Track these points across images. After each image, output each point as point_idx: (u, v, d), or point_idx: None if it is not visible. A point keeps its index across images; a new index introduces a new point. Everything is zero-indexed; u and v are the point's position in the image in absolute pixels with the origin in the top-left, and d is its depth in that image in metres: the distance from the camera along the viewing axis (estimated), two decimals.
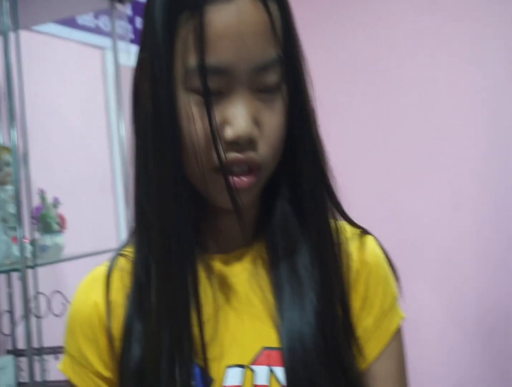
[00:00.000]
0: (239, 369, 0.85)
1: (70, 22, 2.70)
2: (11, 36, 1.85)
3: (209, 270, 0.90)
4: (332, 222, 0.91)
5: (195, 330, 0.84)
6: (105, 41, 2.91)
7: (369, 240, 0.95)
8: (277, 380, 0.83)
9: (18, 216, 1.66)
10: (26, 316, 1.69)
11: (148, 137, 0.86)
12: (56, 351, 2.23)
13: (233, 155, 0.81)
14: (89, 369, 0.90)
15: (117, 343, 0.87)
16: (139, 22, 3.18)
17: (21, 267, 1.72)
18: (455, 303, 3.45)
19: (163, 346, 0.83)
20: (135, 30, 3.13)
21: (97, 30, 2.88)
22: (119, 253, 0.94)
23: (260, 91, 0.82)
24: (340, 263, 0.90)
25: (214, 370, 0.84)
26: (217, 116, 0.80)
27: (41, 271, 2.10)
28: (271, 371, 0.84)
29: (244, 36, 0.79)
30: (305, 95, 0.88)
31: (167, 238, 0.85)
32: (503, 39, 3.34)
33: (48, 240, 1.96)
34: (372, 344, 0.90)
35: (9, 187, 1.89)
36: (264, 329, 0.87)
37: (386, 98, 3.63)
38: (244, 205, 0.84)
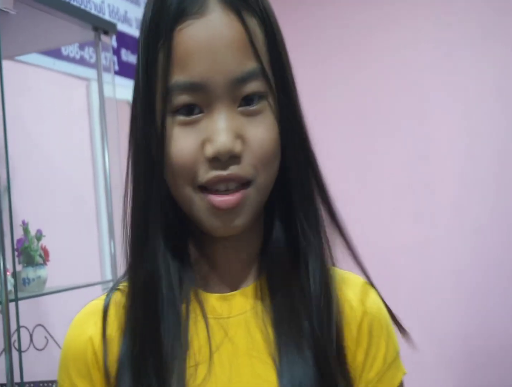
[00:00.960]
0: None
1: (54, 53, 2.69)
2: None
3: (206, 309, 0.87)
4: (330, 265, 0.89)
5: (187, 373, 0.82)
6: (90, 72, 2.90)
7: (370, 290, 0.92)
8: None
9: (1, 248, 1.63)
10: (8, 350, 1.65)
11: (138, 165, 0.86)
12: (37, 386, 2.18)
13: (215, 173, 0.80)
14: None
15: (112, 380, 0.85)
16: (124, 54, 3.18)
17: (3, 300, 1.68)
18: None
19: None
20: (120, 62, 3.12)
21: (81, 61, 2.87)
22: (116, 288, 0.92)
23: (243, 105, 0.81)
24: (338, 312, 0.86)
25: None
26: (200, 134, 0.80)
27: (22, 303, 2.07)
28: None
29: (217, 50, 0.78)
30: (293, 106, 0.86)
31: (154, 275, 0.84)
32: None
33: (30, 273, 1.93)
34: None
35: None
36: (264, 372, 0.84)
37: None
38: (235, 228, 0.83)
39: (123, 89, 2.96)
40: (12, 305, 1.86)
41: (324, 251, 0.88)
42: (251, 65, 0.80)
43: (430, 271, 3.61)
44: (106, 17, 3.02)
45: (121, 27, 3.13)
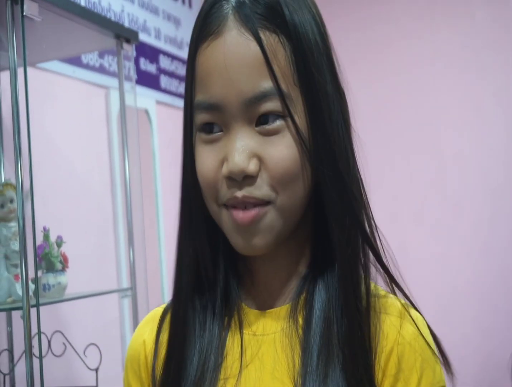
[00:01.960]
0: None
1: (74, 60, 2.70)
2: (19, 73, 1.84)
3: (244, 324, 0.88)
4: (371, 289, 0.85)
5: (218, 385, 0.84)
6: (109, 81, 2.91)
7: (407, 316, 0.85)
8: None
9: (23, 254, 1.63)
10: (29, 355, 1.65)
11: (184, 183, 0.90)
12: None
13: (232, 193, 0.81)
14: None
15: (157, 383, 0.89)
16: (142, 63, 3.19)
17: (24, 306, 1.68)
18: None
19: None
20: (138, 71, 3.13)
21: (101, 69, 2.88)
22: None
23: (260, 124, 0.80)
24: (370, 344, 0.81)
25: None
26: (220, 153, 0.81)
27: (41, 309, 2.07)
28: None
29: (231, 70, 0.78)
30: (326, 126, 0.82)
31: (201, 285, 0.88)
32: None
33: (51, 279, 1.93)
34: None
35: (13, 224, 1.86)
36: None
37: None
38: (257, 247, 0.82)
39: (142, 98, 2.97)
40: (32, 311, 1.86)
41: (366, 279, 0.85)
42: (266, 84, 0.78)
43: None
44: (126, 26, 3.03)
45: (141, 36, 3.13)
